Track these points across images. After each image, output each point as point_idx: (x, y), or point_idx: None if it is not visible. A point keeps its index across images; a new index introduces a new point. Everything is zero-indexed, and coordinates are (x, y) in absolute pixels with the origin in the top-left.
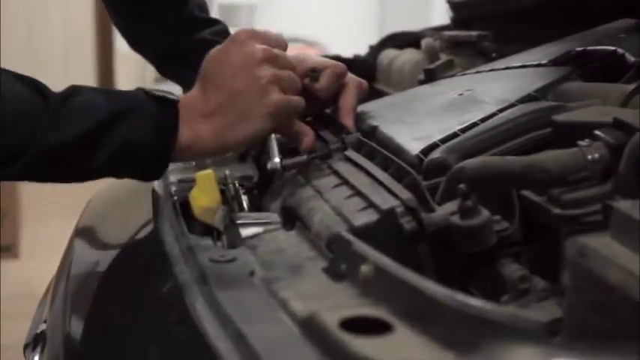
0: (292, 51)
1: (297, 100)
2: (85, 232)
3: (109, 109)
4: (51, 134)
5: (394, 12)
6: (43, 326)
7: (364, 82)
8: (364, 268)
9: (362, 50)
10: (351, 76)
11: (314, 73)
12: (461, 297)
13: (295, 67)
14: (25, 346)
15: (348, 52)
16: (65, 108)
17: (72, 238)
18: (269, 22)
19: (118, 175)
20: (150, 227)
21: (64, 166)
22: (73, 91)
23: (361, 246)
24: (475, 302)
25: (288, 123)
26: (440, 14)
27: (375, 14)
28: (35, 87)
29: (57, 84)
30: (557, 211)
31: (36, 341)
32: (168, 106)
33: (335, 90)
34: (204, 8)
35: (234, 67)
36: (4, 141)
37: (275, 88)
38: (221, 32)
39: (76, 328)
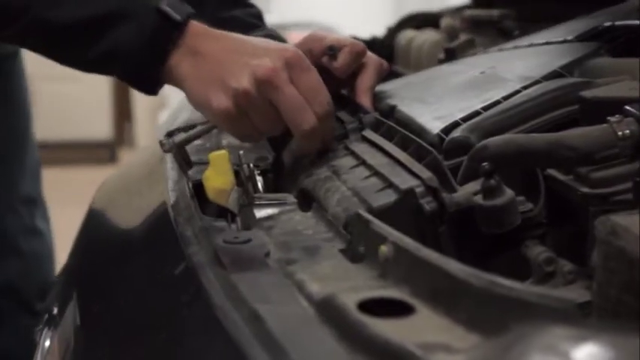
0: None
1: (267, 128)
2: (97, 215)
3: (109, 7)
4: (50, 10)
5: None
6: (55, 309)
7: (384, 62)
8: (383, 249)
9: (378, 34)
10: (370, 55)
11: (333, 50)
12: (487, 276)
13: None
14: (38, 330)
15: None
16: None
17: (84, 221)
18: (283, 10)
19: (111, 74)
20: (163, 209)
21: (58, 44)
22: None
23: (380, 226)
24: (503, 281)
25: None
26: None
27: None
28: None
29: None
30: (585, 190)
31: (48, 323)
32: (169, 25)
33: (354, 69)
34: None
35: (259, 47)
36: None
37: (274, 87)
38: (255, 14)
39: (87, 310)
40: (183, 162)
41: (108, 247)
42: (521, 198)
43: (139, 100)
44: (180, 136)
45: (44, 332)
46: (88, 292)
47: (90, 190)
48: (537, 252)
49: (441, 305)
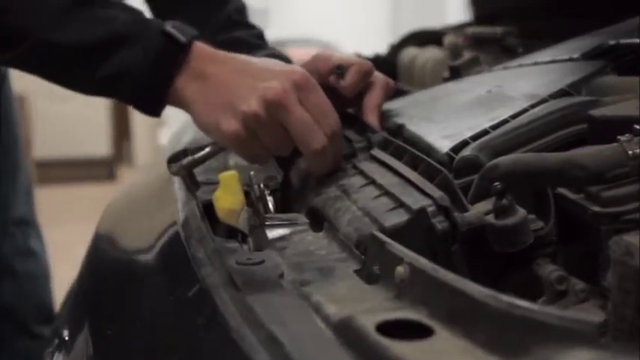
0: (307, 54)
1: (271, 149)
2: (105, 237)
3: (113, 29)
4: (54, 33)
5: (407, 11)
6: (65, 332)
7: (391, 80)
8: (400, 270)
9: (376, 51)
10: (378, 75)
11: (340, 69)
12: (506, 298)
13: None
14: (48, 353)
15: (363, 53)
16: (77, 12)
17: (92, 243)
18: (282, 26)
19: (114, 97)
20: (173, 230)
21: (61, 68)
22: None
23: (395, 246)
24: (522, 303)
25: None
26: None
27: (388, 14)
28: None
29: None
30: (596, 209)
31: (59, 347)
32: (175, 47)
33: (361, 88)
34: (242, 12)
35: (266, 69)
36: (9, 21)
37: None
38: (257, 35)
39: (101, 337)
40: (192, 185)
41: (118, 271)
42: (532, 216)
43: (138, 117)
44: (189, 159)
45: (55, 356)
46: (100, 318)
47: (89, 207)
48: (549, 270)
49: (459, 327)
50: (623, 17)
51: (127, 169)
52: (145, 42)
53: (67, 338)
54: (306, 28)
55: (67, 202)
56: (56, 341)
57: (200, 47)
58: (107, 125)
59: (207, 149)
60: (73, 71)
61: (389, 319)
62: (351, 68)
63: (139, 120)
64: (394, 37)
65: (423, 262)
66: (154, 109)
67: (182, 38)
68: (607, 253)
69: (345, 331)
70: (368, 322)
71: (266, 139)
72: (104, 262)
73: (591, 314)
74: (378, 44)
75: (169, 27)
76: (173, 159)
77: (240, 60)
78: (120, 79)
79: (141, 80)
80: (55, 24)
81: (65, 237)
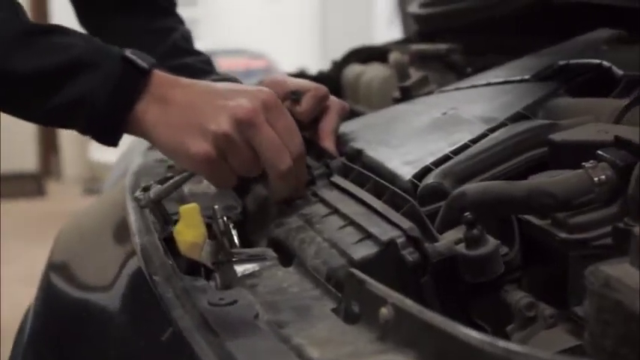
0: (238, 64)
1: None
2: (59, 273)
3: (72, 55)
4: (6, 60)
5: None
6: None
7: (346, 104)
8: (384, 311)
9: (306, 60)
10: (333, 99)
11: (296, 95)
12: (502, 343)
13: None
14: None
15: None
16: (34, 41)
17: (45, 277)
18: (212, 37)
19: (70, 127)
20: (133, 265)
21: (16, 96)
22: (52, 29)
23: (376, 286)
24: (518, 348)
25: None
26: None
27: (317, 24)
28: (17, 13)
29: None
30: (563, 235)
31: None
32: (136, 73)
33: (316, 113)
34: (189, 40)
35: (231, 89)
36: None
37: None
38: (205, 61)
39: None
40: (162, 218)
41: (79, 309)
42: (496, 242)
43: (65, 131)
44: (156, 190)
45: None
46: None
47: (17, 222)
48: (518, 297)
49: None
50: (564, 36)
51: (56, 184)
52: (106, 68)
53: None
54: (236, 38)
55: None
56: None
57: (160, 74)
58: (34, 139)
59: (175, 178)
60: (29, 99)
61: None
62: (307, 94)
63: (66, 133)
64: (323, 47)
65: (408, 304)
66: (111, 138)
67: (143, 64)
68: (576, 279)
69: None
70: None
71: (235, 160)
72: (61, 298)
73: (565, 341)
74: (307, 54)
75: (129, 53)
76: (141, 191)
77: (203, 83)
78: (76, 108)
79: (99, 108)
80: (11, 52)
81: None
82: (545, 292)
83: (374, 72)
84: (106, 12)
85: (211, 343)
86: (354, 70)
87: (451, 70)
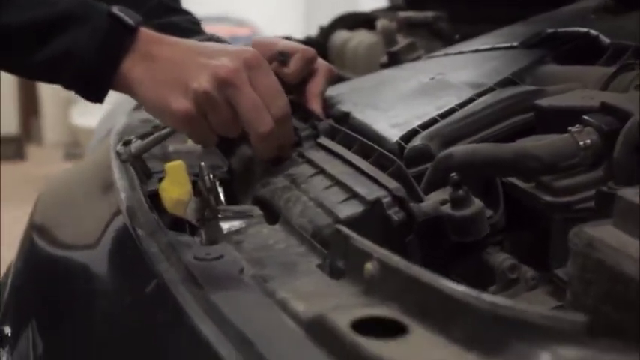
0: (223, 31)
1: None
2: (42, 232)
3: (60, 10)
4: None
5: None
6: (7, 328)
7: (334, 67)
8: (369, 266)
9: (290, 28)
10: (320, 61)
11: (283, 56)
12: (487, 296)
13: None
14: None
15: (277, 31)
16: None
17: (27, 235)
18: (196, 3)
19: (56, 81)
20: (119, 222)
21: (3, 49)
22: None
23: (362, 241)
24: (504, 301)
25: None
26: None
27: None
28: None
29: None
30: (548, 198)
31: (1, 343)
32: (123, 29)
33: (304, 75)
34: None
35: (215, 49)
36: None
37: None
38: (192, 21)
39: (51, 338)
40: (142, 173)
41: (63, 267)
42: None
43: (47, 94)
44: (137, 145)
45: None
46: (47, 317)
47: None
48: (501, 259)
49: (435, 324)
50: (552, 5)
51: (36, 149)
52: (93, 23)
53: (9, 335)
54: (220, 5)
55: None
56: None
57: (147, 31)
58: (15, 103)
59: (156, 134)
60: (16, 52)
61: (363, 317)
62: (294, 55)
63: (48, 97)
64: (307, 15)
65: (394, 259)
66: (97, 94)
67: (130, 21)
68: (559, 242)
69: (319, 329)
70: (342, 320)
71: (214, 118)
72: (44, 257)
73: (546, 302)
74: (291, 22)
75: (116, 10)
76: (122, 146)
77: (188, 42)
78: (62, 62)
79: (86, 62)
80: (7, 4)
81: None
82: (528, 254)
83: (361, 38)
84: None
85: (196, 295)
86: (341, 36)
87: (438, 37)
